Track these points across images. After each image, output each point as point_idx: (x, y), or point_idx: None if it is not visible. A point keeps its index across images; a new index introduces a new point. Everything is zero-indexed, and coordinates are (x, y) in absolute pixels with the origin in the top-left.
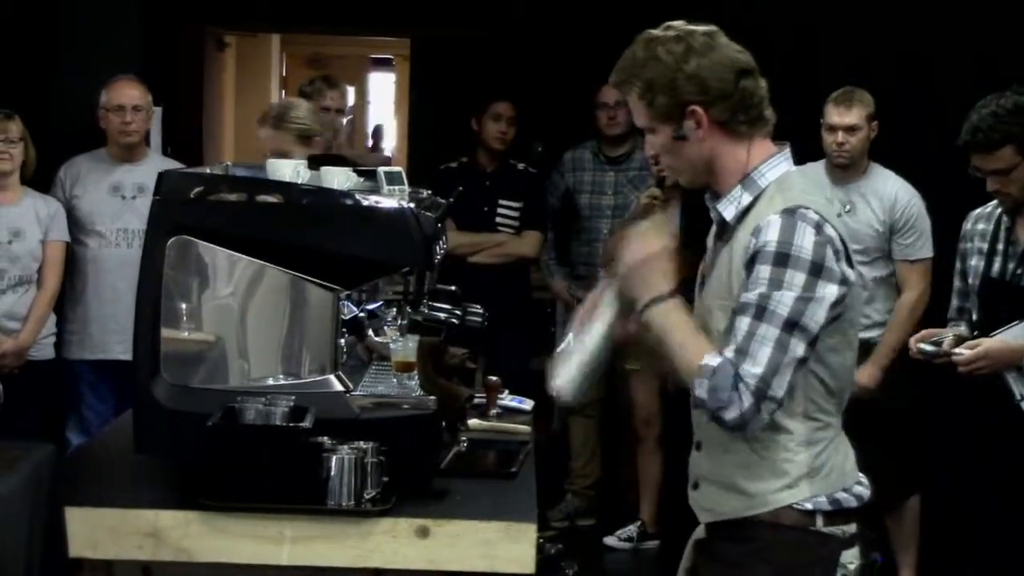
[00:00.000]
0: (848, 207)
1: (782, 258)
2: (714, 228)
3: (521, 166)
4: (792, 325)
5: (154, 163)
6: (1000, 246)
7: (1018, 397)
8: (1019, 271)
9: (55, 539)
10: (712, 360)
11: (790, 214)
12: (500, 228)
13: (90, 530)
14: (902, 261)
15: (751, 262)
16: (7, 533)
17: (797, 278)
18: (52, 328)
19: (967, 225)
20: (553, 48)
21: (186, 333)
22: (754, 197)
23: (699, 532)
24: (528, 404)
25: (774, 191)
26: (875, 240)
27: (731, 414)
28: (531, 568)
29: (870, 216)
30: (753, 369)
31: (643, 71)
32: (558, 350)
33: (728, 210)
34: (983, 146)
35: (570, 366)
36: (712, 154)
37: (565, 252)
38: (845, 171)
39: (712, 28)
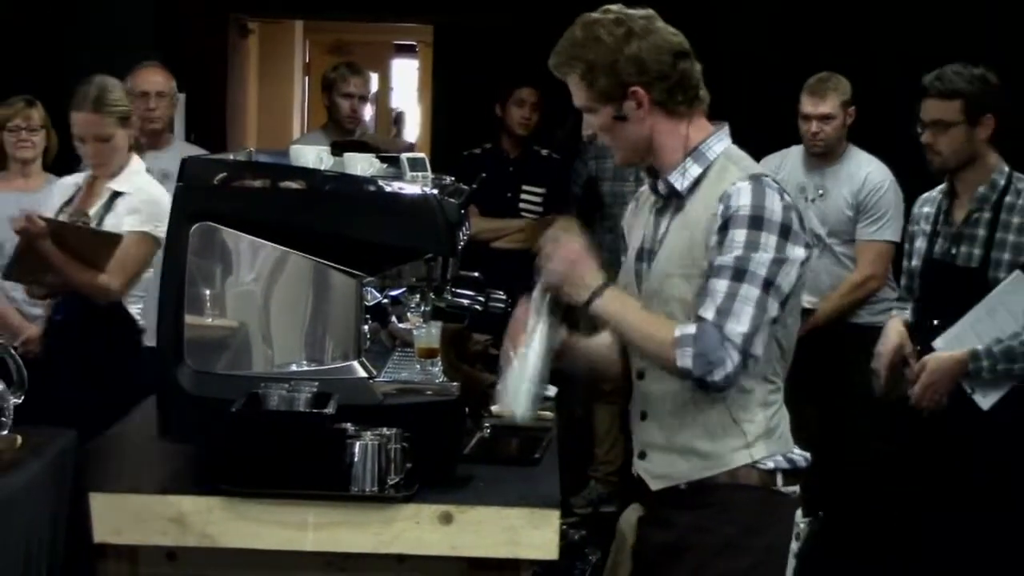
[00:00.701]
0: (821, 191)
1: (756, 221)
2: (651, 201)
3: (544, 152)
4: (769, 285)
5: (178, 150)
6: (940, 227)
7: (970, 391)
8: (953, 251)
9: (79, 525)
10: (688, 328)
11: (757, 180)
12: (523, 214)
13: (114, 516)
14: (860, 240)
15: (724, 227)
16: (31, 519)
17: (771, 240)
18: None
19: (915, 208)
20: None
21: (210, 319)
22: (704, 168)
23: (634, 512)
24: (551, 390)
25: (725, 162)
26: (845, 224)
27: (720, 374)
28: (554, 554)
29: (841, 201)
30: (738, 328)
31: (584, 52)
32: (501, 371)
33: (679, 181)
34: (936, 92)
35: (516, 386)
36: (652, 132)
37: (587, 238)
38: (821, 158)
39: (650, 12)
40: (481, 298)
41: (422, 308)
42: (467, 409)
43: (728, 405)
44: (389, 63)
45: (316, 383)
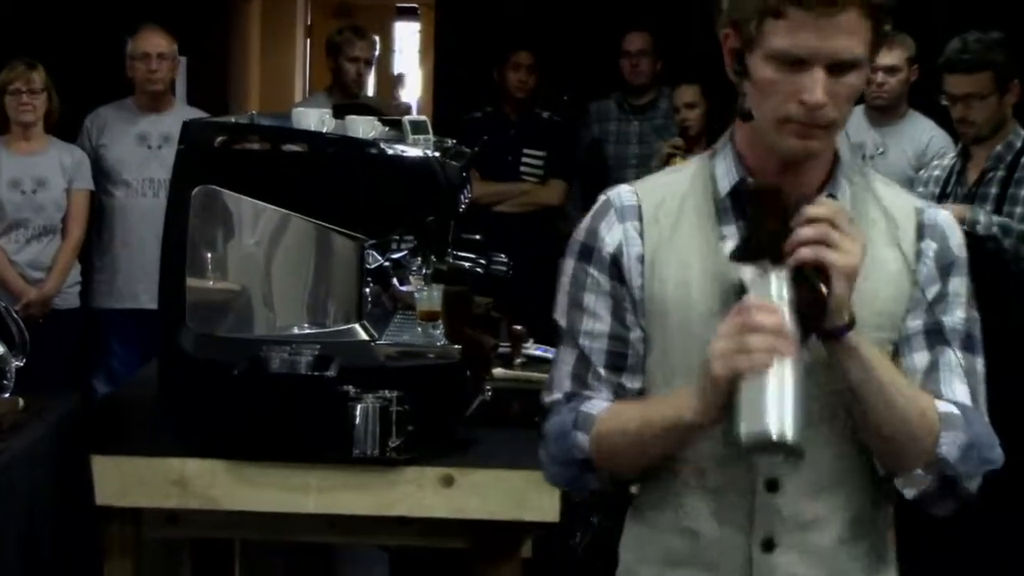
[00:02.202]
0: (881, 149)
1: (966, 266)
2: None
3: (546, 115)
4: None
5: (180, 113)
6: (950, 188)
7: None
8: None
9: (82, 488)
10: (950, 407)
11: (934, 206)
12: (525, 177)
13: (117, 479)
14: None
15: (946, 273)
16: (35, 482)
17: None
18: (77, 277)
19: (922, 173)
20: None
21: (211, 282)
22: (847, 180)
23: None
24: (552, 353)
25: (871, 172)
26: (904, 184)
27: (978, 481)
28: (556, 517)
29: (903, 161)
30: (986, 418)
31: None
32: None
33: (845, 199)
34: (965, 66)
35: (778, 403)
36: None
37: (591, 202)
38: (882, 113)
39: None
40: (483, 261)
41: (424, 271)
42: (469, 372)
43: (888, 524)
44: (391, 25)
45: (318, 346)
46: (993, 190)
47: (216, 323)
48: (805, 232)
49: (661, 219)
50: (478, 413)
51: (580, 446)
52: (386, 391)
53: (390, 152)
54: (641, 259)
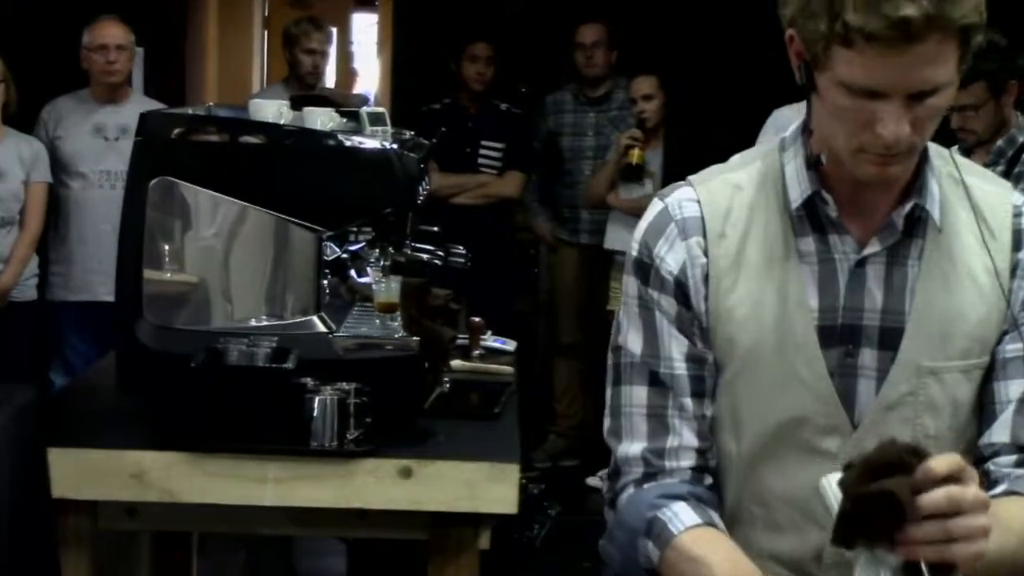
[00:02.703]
0: None
1: None
2: (840, 238)
3: (504, 107)
4: None
5: (137, 104)
6: None
7: None
8: None
9: (37, 480)
10: None
11: None
12: (483, 169)
13: (74, 471)
14: None
15: None
16: None
17: None
18: (35, 270)
19: None
20: None
21: (169, 274)
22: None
23: None
24: (511, 344)
25: (949, 167)
26: None
27: None
28: (514, 508)
29: None
30: None
31: None
32: None
33: (932, 205)
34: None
35: None
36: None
37: (548, 194)
38: None
39: None
40: (441, 253)
41: (382, 263)
42: (427, 364)
43: None
44: (349, 16)
45: (276, 338)
46: None
47: (173, 315)
48: (927, 531)
49: (728, 233)
50: (436, 405)
51: (649, 557)
52: (344, 383)
53: (348, 144)
54: (706, 280)
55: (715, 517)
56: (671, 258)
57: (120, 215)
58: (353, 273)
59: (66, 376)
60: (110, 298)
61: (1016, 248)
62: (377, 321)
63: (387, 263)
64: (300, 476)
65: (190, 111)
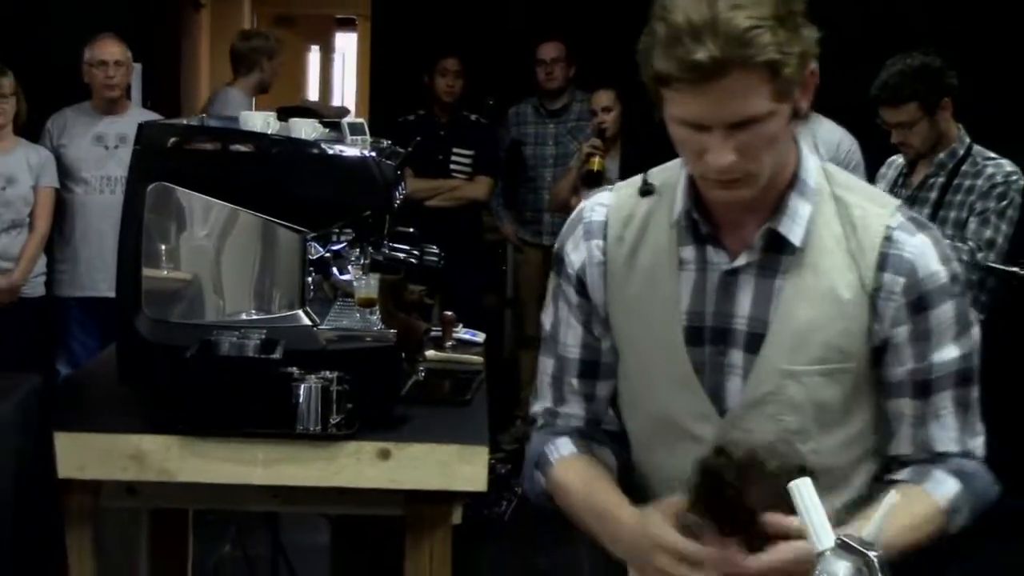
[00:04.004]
0: None
1: (955, 285)
2: (718, 258)
3: (473, 117)
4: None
5: (135, 115)
6: (897, 189)
7: None
8: None
9: (45, 462)
10: (948, 485)
11: (920, 224)
12: (454, 174)
13: (78, 453)
14: None
15: (919, 307)
16: (1, 457)
17: (967, 303)
18: (43, 268)
19: (881, 170)
20: (499, 10)
21: (166, 272)
22: (811, 204)
23: None
24: (480, 336)
25: (840, 191)
26: None
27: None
28: (483, 487)
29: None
30: (981, 438)
31: None
32: None
33: (790, 229)
34: (891, 101)
35: None
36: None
37: (512, 199)
38: None
39: None
40: (416, 252)
41: (361, 261)
42: (403, 354)
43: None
44: (332, 35)
45: (264, 331)
46: (933, 195)
47: (170, 310)
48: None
49: (626, 237)
50: (412, 392)
51: (539, 483)
52: (327, 372)
53: (330, 152)
54: (604, 278)
55: (597, 447)
56: (575, 256)
57: (120, 217)
58: (335, 271)
59: (71, 366)
60: (111, 294)
61: (880, 268)
62: (357, 315)
63: (366, 261)
64: (287, 457)
65: (184, 121)
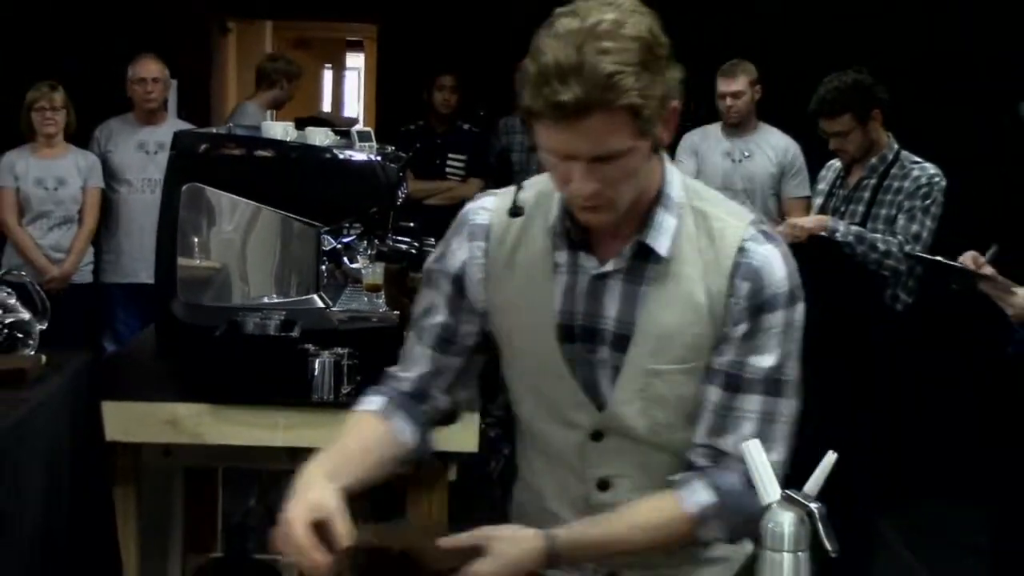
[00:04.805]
0: (747, 154)
1: (792, 298)
2: (589, 263)
3: (467, 127)
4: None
5: (171, 125)
6: (836, 189)
7: None
8: (843, 208)
9: (94, 427)
10: (702, 495)
11: (771, 237)
12: (449, 176)
13: (122, 420)
14: (788, 197)
15: (756, 314)
16: (55, 423)
17: (799, 321)
18: (90, 258)
19: (821, 172)
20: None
21: (198, 262)
22: (675, 217)
23: None
24: None
25: (700, 204)
26: (770, 181)
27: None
28: (475, 448)
29: (766, 162)
30: (774, 456)
31: None
32: None
33: (657, 240)
34: (828, 113)
35: None
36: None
37: None
38: (738, 127)
39: None
40: (416, 244)
41: (369, 252)
42: (405, 332)
43: None
44: (343, 55)
45: (283, 312)
46: (866, 195)
47: (201, 294)
48: None
49: (507, 240)
50: None
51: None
52: (339, 348)
53: (341, 157)
54: (484, 278)
55: (401, 420)
56: (459, 254)
57: (158, 214)
58: (346, 260)
59: (115, 344)
60: (150, 281)
61: (733, 276)
62: (365, 299)
63: (373, 252)
64: (304, 422)
65: (214, 130)
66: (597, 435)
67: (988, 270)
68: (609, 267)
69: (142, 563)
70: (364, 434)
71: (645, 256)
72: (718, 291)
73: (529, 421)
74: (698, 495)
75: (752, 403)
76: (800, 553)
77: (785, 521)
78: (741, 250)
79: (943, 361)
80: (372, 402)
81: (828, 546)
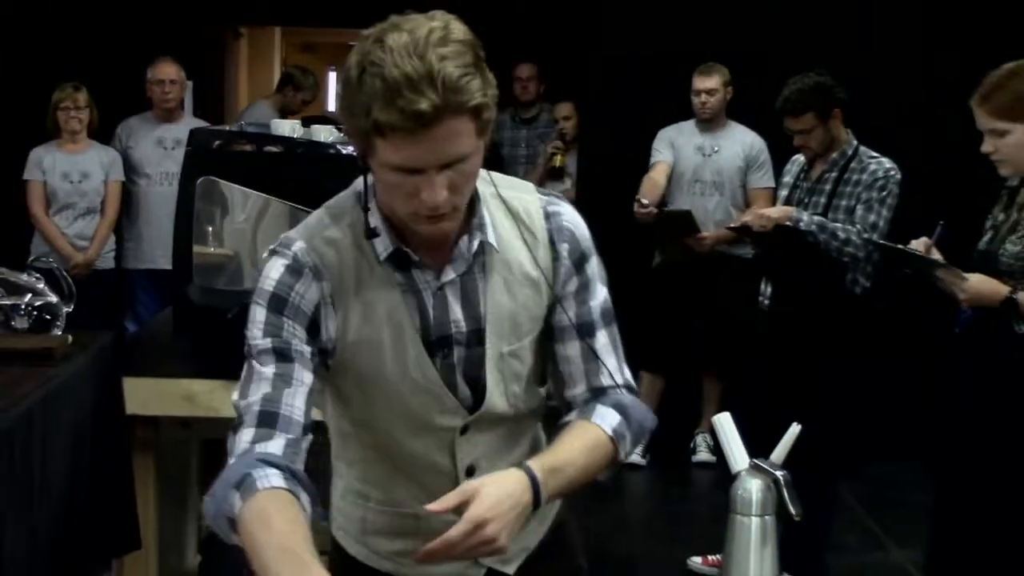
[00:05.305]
0: (716, 148)
1: (591, 244)
2: (454, 267)
3: None
4: None
5: (187, 123)
6: (800, 182)
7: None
8: (806, 200)
9: (116, 401)
10: (609, 416)
11: (558, 200)
12: None
13: (142, 394)
14: (753, 188)
15: (579, 266)
16: (80, 397)
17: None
18: (112, 246)
19: (787, 166)
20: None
21: (212, 249)
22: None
23: None
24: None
25: (492, 187)
26: (737, 174)
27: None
28: None
29: (734, 156)
30: (628, 371)
31: None
32: None
33: (490, 233)
34: (792, 112)
35: None
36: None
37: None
38: (710, 123)
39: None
40: None
41: None
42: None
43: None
44: (346, 58)
45: None
46: (828, 187)
47: (215, 279)
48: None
49: (343, 277)
50: None
51: (232, 505)
52: None
53: (344, 152)
54: (335, 317)
55: (303, 493)
56: (309, 295)
57: (175, 205)
58: None
59: (135, 324)
60: (168, 266)
61: (553, 243)
62: None
63: None
64: None
65: (227, 128)
66: (464, 429)
67: (936, 254)
68: (450, 275)
69: (160, 526)
70: (292, 516)
71: (480, 252)
72: (545, 261)
73: (383, 440)
74: (608, 417)
75: (602, 337)
76: (767, 516)
77: (753, 487)
78: (547, 216)
79: (896, 339)
80: (272, 476)
81: (792, 510)
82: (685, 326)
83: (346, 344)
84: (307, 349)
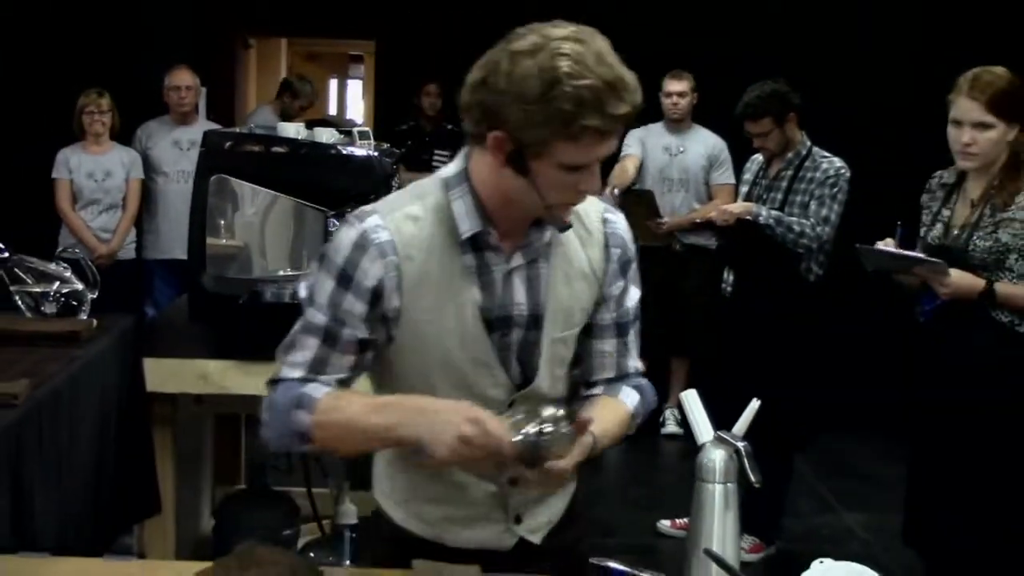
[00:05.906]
0: (682, 149)
1: (636, 256)
2: (500, 255)
3: (451, 126)
4: None
5: (201, 125)
6: (759, 179)
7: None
8: (764, 196)
9: (137, 380)
10: (631, 396)
11: (614, 210)
12: (435, 168)
13: (160, 374)
14: (715, 184)
15: (624, 270)
16: (104, 377)
17: None
18: (133, 238)
19: (746, 165)
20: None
21: (224, 241)
22: None
23: None
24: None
25: None
26: (700, 172)
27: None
28: None
29: (698, 156)
30: (640, 361)
31: None
32: None
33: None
34: (751, 116)
35: None
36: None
37: None
38: (677, 124)
39: None
40: None
41: None
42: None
43: None
44: (346, 67)
45: (296, 283)
46: (784, 184)
47: (227, 268)
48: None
49: (414, 255)
50: None
51: (300, 421)
52: None
53: (344, 152)
54: (399, 290)
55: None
56: (372, 271)
57: (191, 201)
58: None
59: (154, 310)
60: (184, 257)
61: (607, 246)
62: None
63: None
64: None
65: (238, 130)
66: (510, 404)
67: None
68: (519, 260)
69: (178, 494)
70: (364, 395)
71: (548, 244)
72: (598, 260)
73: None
74: (630, 397)
75: (632, 334)
76: (729, 484)
77: (716, 457)
78: (604, 221)
79: (848, 322)
80: (324, 385)
81: (752, 478)
82: (656, 311)
83: (410, 315)
84: (361, 327)
